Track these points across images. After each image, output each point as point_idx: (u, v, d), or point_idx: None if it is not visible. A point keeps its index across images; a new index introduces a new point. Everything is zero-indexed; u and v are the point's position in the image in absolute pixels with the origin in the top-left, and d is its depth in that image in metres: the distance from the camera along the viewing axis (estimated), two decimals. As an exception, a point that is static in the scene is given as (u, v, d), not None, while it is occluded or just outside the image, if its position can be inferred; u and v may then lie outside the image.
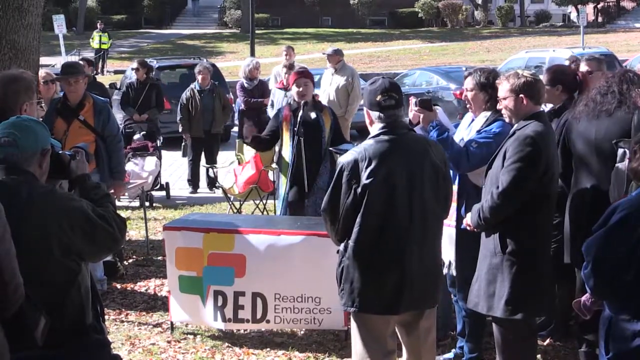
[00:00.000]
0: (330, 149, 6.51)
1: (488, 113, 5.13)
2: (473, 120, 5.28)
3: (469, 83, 5.20)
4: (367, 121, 4.37)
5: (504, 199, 4.46)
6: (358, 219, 4.17)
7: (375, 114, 4.28)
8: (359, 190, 4.14)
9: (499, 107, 4.78)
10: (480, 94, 5.13)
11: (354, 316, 4.36)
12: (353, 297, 4.25)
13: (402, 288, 4.20)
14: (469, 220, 4.75)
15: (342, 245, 4.29)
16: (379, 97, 4.23)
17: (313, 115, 6.60)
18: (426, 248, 4.27)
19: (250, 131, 7.20)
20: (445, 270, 5.17)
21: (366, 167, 4.13)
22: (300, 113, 6.62)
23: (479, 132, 5.10)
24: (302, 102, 6.70)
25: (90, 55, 29.00)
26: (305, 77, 6.68)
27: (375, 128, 4.29)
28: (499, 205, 4.48)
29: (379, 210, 4.16)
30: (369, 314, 4.28)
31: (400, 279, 4.20)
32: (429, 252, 4.31)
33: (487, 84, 5.09)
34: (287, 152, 6.67)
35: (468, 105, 5.30)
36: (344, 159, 4.25)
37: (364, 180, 4.13)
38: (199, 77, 11.68)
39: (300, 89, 6.67)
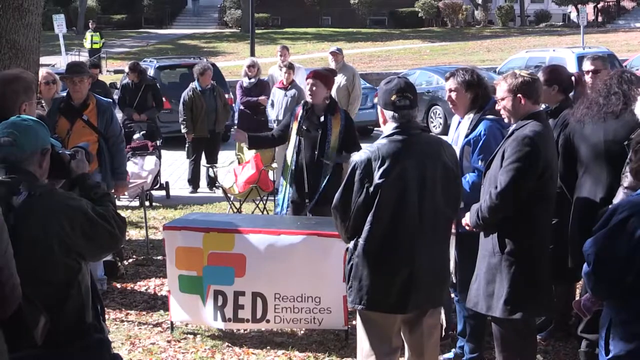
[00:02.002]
0: (322, 160, 6.48)
1: (472, 114, 5.13)
2: (460, 123, 5.26)
3: (451, 83, 5.20)
4: (381, 120, 4.38)
5: (502, 199, 4.46)
6: (369, 218, 4.18)
7: (389, 114, 4.28)
8: (371, 189, 4.15)
9: (497, 107, 4.78)
10: (465, 94, 5.13)
11: (361, 314, 4.38)
12: (361, 294, 4.26)
13: (409, 287, 4.22)
14: (467, 220, 4.76)
15: (352, 243, 4.30)
16: (393, 97, 4.24)
17: (321, 117, 6.58)
18: (435, 248, 4.29)
19: (241, 135, 7.01)
20: None
21: (379, 167, 4.14)
22: (301, 112, 6.63)
23: (467, 136, 5.09)
24: (302, 102, 6.74)
25: (85, 55, 29.00)
26: (314, 78, 6.65)
27: (388, 127, 4.29)
28: (498, 205, 4.48)
29: (390, 209, 4.17)
30: (376, 312, 4.29)
31: (408, 279, 4.21)
32: (438, 252, 4.32)
33: (472, 82, 5.10)
34: (290, 151, 6.68)
35: (452, 107, 5.30)
36: (357, 158, 4.26)
37: (376, 179, 4.14)
38: (202, 77, 11.66)
39: (307, 88, 6.69)
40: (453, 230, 5.10)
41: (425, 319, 4.40)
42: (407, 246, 4.20)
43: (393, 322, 4.34)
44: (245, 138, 6.93)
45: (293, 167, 6.61)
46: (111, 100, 11.36)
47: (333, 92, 11.34)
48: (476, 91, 5.09)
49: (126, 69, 12.71)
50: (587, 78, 6.01)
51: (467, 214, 4.77)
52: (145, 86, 12.21)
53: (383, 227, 4.18)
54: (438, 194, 4.24)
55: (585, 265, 3.61)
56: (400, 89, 4.26)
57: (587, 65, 6.09)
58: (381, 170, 4.13)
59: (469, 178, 5.02)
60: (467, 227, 4.79)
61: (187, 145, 11.91)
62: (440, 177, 4.24)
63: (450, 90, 5.23)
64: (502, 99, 4.65)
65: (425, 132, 4.41)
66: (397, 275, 4.21)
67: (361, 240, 4.23)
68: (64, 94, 7.52)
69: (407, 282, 4.21)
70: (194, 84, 11.74)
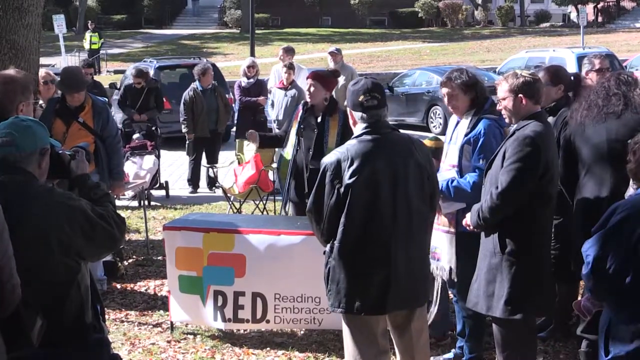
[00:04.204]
0: (311, 167, 6.49)
1: (471, 113, 5.13)
2: (458, 122, 5.25)
3: (449, 87, 5.15)
4: (351, 121, 4.40)
5: (503, 199, 4.46)
6: (342, 219, 4.18)
7: (358, 114, 4.31)
8: (342, 190, 4.16)
9: (498, 107, 4.78)
10: (465, 96, 5.12)
11: (343, 317, 4.38)
12: (339, 297, 4.27)
13: (387, 287, 4.22)
14: (468, 220, 4.76)
15: (328, 246, 4.30)
16: (361, 98, 4.26)
17: (319, 117, 6.59)
18: (412, 246, 4.28)
19: (253, 136, 7.05)
20: (446, 276, 5.18)
21: (349, 167, 4.15)
22: (300, 113, 6.64)
23: (466, 135, 5.08)
24: (302, 102, 6.75)
25: (84, 56, 29.00)
26: (312, 79, 6.65)
27: (358, 128, 4.32)
28: (498, 206, 4.48)
29: (363, 209, 4.17)
30: (357, 315, 4.29)
31: (385, 279, 4.21)
32: (415, 250, 4.31)
33: (469, 82, 5.09)
34: (288, 150, 6.69)
35: (452, 110, 5.28)
36: (327, 160, 4.27)
37: (346, 180, 4.15)
38: (203, 77, 11.65)
39: (306, 88, 6.69)
40: (452, 229, 5.12)
41: (413, 322, 4.41)
42: (382, 246, 4.20)
43: (375, 323, 4.34)
44: (256, 138, 6.95)
45: (291, 167, 6.61)
46: (106, 100, 11.38)
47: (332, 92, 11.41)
48: (474, 91, 5.09)
49: (129, 69, 12.71)
50: (594, 77, 6.00)
51: (468, 215, 4.77)
52: (148, 89, 12.22)
53: (357, 228, 4.19)
54: (412, 193, 4.24)
55: (584, 265, 3.61)
56: (367, 89, 4.27)
57: (597, 64, 6.07)
58: (351, 170, 4.14)
59: (469, 178, 5.02)
60: (468, 228, 4.79)
61: (187, 143, 11.91)
62: (413, 175, 4.24)
63: (450, 95, 5.16)
64: (503, 99, 4.64)
65: (395, 131, 4.41)
66: (374, 276, 4.22)
67: (336, 242, 4.23)
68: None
69: (384, 282, 4.21)
70: (195, 84, 11.74)
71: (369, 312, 4.28)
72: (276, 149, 9.16)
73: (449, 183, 5.00)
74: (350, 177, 4.14)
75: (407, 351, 4.47)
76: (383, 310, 4.28)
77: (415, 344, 4.45)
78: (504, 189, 4.45)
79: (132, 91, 12.27)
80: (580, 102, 5.19)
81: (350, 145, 4.24)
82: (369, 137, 4.23)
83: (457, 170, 5.11)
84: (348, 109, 4.39)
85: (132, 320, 6.40)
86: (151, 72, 15.14)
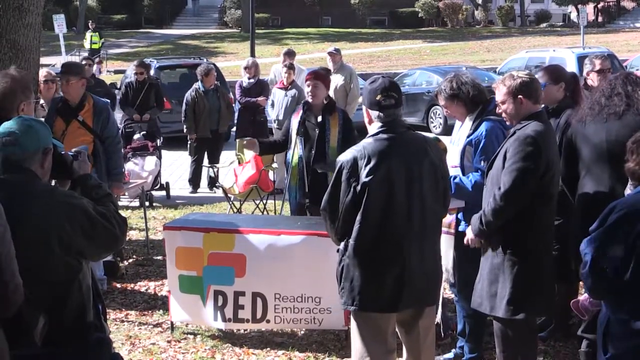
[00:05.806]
0: (315, 166, 6.50)
1: (473, 115, 5.14)
2: (462, 125, 5.27)
3: (440, 100, 5.24)
4: (366, 120, 4.40)
5: (507, 200, 4.45)
6: (358, 217, 4.18)
7: (374, 113, 4.30)
8: (359, 188, 4.16)
9: (498, 110, 4.78)
10: (454, 104, 5.15)
11: (354, 315, 4.38)
12: (353, 295, 4.27)
13: (401, 286, 4.23)
14: (470, 234, 4.74)
15: (342, 244, 4.31)
16: (378, 97, 4.26)
17: (319, 117, 6.58)
18: (426, 245, 4.29)
19: (252, 144, 7.03)
20: (444, 276, 5.19)
21: (365, 165, 4.15)
22: (300, 112, 6.64)
23: (468, 136, 5.09)
24: (302, 102, 6.74)
25: (85, 55, 29.01)
26: (315, 78, 6.65)
27: (374, 127, 4.31)
28: (502, 207, 4.47)
29: (378, 208, 4.18)
30: (370, 312, 4.29)
31: (399, 277, 4.22)
32: (429, 249, 4.33)
33: (454, 93, 5.11)
34: (290, 151, 6.69)
35: (453, 116, 5.34)
36: (343, 158, 4.27)
37: (363, 178, 4.15)
38: (206, 78, 11.65)
39: (308, 89, 6.69)
40: (451, 230, 5.13)
41: (421, 320, 4.41)
42: (396, 245, 4.21)
43: (387, 321, 4.34)
44: (256, 145, 6.95)
45: (298, 167, 6.61)
46: (111, 100, 11.40)
47: (331, 92, 11.40)
48: (460, 98, 5.11)
49: (130, 68, 12.74)
50: (594, 77, 5.99)
51: (469, 229, 4.76)
52: (149, 85, 12.24)
53: (372, 227, 4.19)
54: (426, 192, 4.25)
55: (582, 264, 3.61)
56: (384, 88, 4.28)
57: (597, 64, 6.06)
58: (367, 168, 4.15)
59: (471, 177, 5.03)
60: (470, 242, 4.76)
61: (189, 143, 11.92)
62: (427, 175, 4.25)
63: (443, 105, 5.30)
64: (503, 102, 4.64)
65: (410, 130, 4.42)
66: (388, 274, 4.22)
67: (351, 241, 4.23)
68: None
69: (398, 281, 4.22)
70: (198, 85, 11.74)
71: (382, 310, 4.29)
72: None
73: (452, 179, 5.00)
74: (367, 176, 4.14)
75: (413, 349, 4.47)
76: (395, 308, 4.29)
77: (422, 343, 4.45)
78: (507, 189, 4.45)
79: (132, 87, 12.29)
80: (584, 100, 5.20)
81: (367, 143, 4.25)
82: (385, 135, 4.24)
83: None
84: (364, 107, 4.39)
85: (132, 320, 6.41)
86: (151, 72, 15.15)
